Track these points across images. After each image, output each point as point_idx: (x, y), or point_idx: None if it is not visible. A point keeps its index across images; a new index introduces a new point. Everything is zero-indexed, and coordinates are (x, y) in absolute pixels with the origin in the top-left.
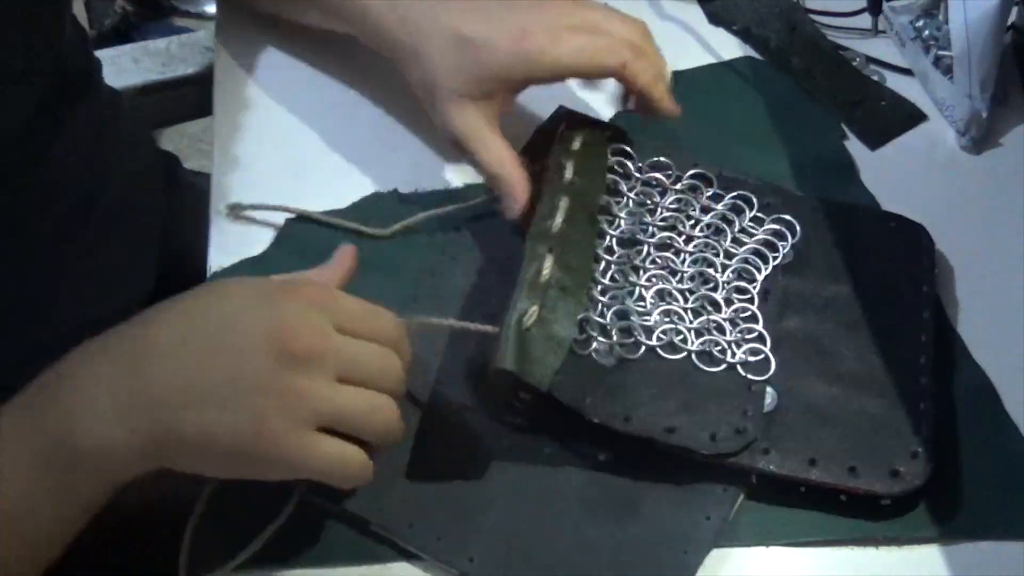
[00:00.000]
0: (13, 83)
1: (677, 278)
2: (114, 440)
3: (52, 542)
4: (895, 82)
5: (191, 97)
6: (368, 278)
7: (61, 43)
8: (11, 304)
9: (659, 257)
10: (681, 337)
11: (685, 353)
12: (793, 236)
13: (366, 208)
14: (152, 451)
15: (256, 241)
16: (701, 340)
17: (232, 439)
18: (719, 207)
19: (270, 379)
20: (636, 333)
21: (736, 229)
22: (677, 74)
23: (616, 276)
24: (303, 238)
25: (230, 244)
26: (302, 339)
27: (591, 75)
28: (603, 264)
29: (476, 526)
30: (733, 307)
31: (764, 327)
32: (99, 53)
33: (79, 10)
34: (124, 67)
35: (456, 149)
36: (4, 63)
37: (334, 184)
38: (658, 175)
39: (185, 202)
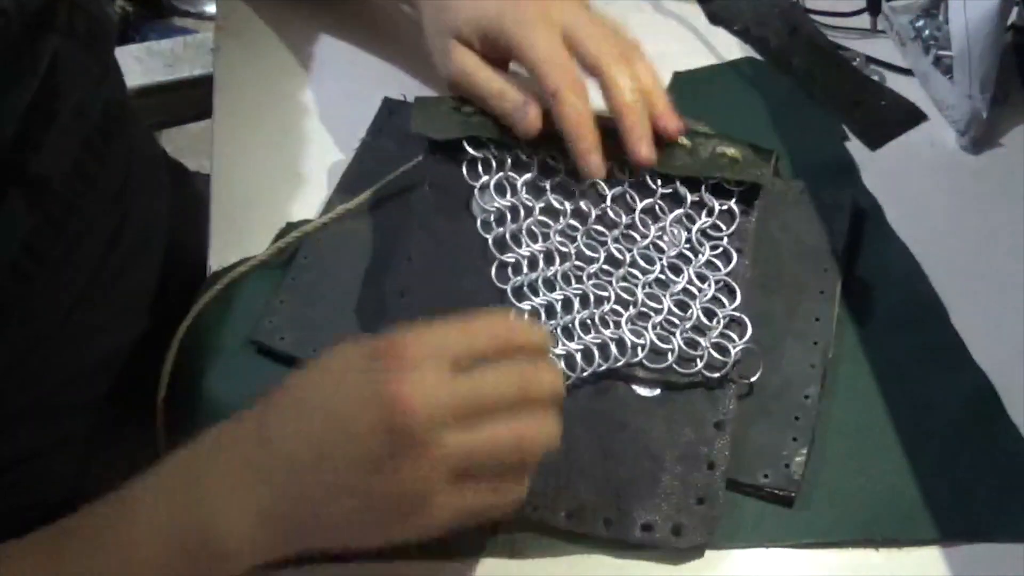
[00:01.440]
0: (73, 118)
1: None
2: (255, 547)
3: None
4: (895, 82)
5: (196, 98)
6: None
7: (109, 79)
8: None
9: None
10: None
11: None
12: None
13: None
14: (290, 551)
15: (256, 241)
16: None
17: (369, 526)
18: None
19: (390, 464)
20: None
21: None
22: (677, 74)
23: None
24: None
25: (230, 244)
26: (408, 411)
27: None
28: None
29: None
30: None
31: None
32: None
33: None
34: (128, 67)
35: (455, 85)
36: (69, 98)
37: (332, 182)
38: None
39: (187, 204)
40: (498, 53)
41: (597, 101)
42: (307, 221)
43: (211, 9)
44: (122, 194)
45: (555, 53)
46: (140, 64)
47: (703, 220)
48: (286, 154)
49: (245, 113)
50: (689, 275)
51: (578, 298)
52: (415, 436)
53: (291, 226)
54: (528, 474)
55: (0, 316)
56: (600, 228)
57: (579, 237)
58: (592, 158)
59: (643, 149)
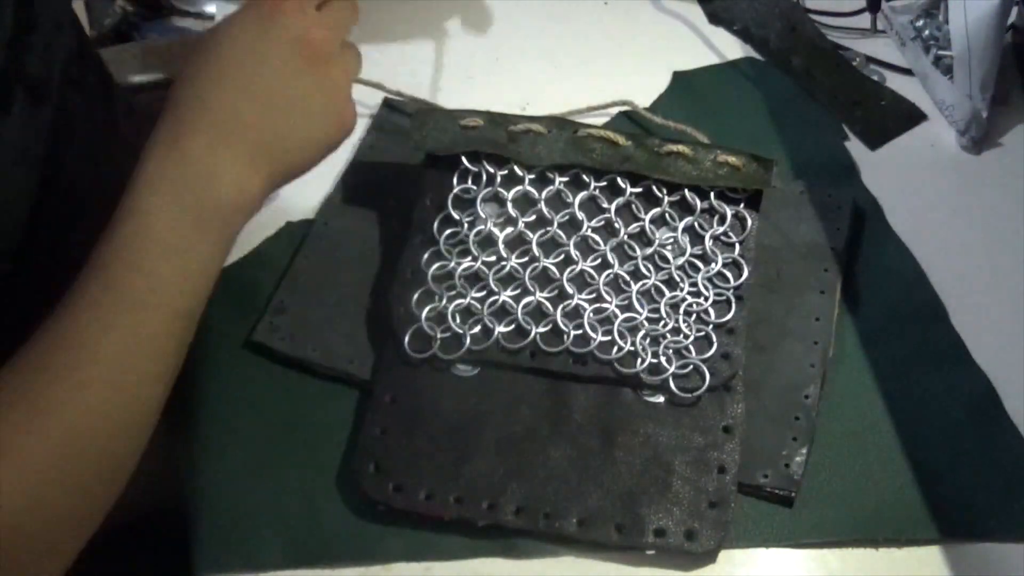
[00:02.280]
0: (54, 29)
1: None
2: (252, 190)
3: (199, 291)
4: (895, 82)
5: None
6: None
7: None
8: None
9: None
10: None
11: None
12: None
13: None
14: (270, 186)
15: (256, 241)
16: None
17: (327, 139)
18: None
19: (322, 84)
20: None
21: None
22: (677, 74)
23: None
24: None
25: None
26: (317, 40)
27: None
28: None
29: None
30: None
31: None
32: (100, 52)
33: (79, 10)
34: (123, 66)
35: None
36: (45, 10)
37: (333, 183)
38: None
39: None
40: None
41: (574, 104)
42: (308, 221)
43: (211, 9)
44: (111, 121)
45: None
46: (139, 61)
47: (715, 227)
48: None
49: None
50: (696, 284)
51: (556, 291)
52: (328, 60)
53: (291, 226)
54: None
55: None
56: (596, 237)
57: (570, 244)
58: None
59: None
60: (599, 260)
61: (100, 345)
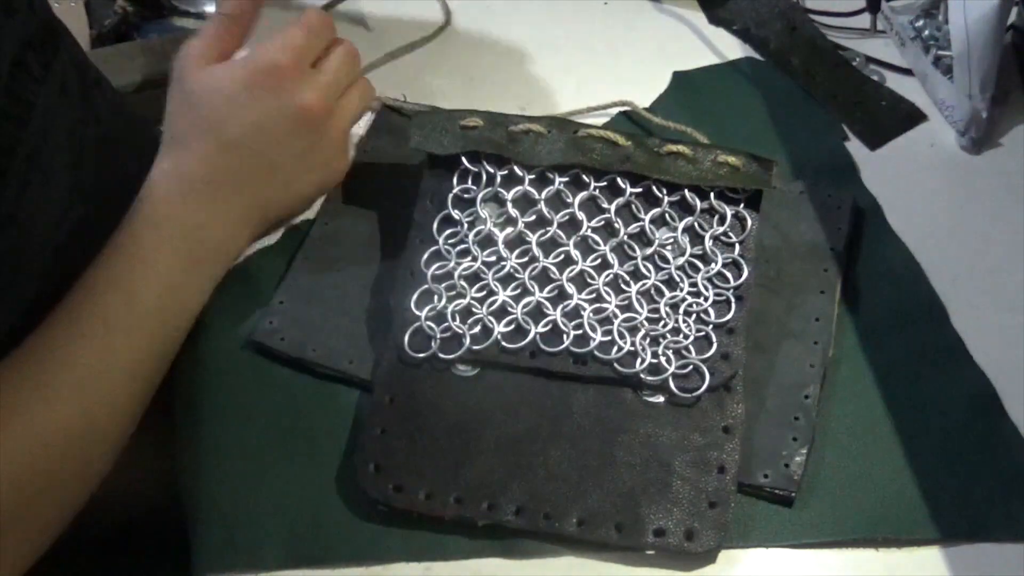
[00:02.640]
0: (3, 14)
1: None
2: (243, 235)
3: (180, 323)
4: (895, 82)
5: None
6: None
7: None
8: None
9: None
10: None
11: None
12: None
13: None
14: (258, 233)
15: (255, 241)
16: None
17: (318, 190)
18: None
19: (315, 145)
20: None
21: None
22: (677, 74)
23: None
24: (299, 238)
25: None
26: (315, 107)
27: None
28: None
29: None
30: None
31: None
32: (95, 52)
33: (79, 10)
34: (123, 65)
35: None
36: None
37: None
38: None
39: None
40: None
41: (574, 105)
42: (308, 221)
43: (211, 9)
44: (87, 107)
45: None
46: (132, 61)
47: (715, 228)
48: None
49: None
50: (696, 284)
51: (557, 291)
52: (325, 121)
53: (291, 227)
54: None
55: None
56: (596, 237)
57: (570, 244)
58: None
59: None
60: (599, 260)
61: (74, 355)
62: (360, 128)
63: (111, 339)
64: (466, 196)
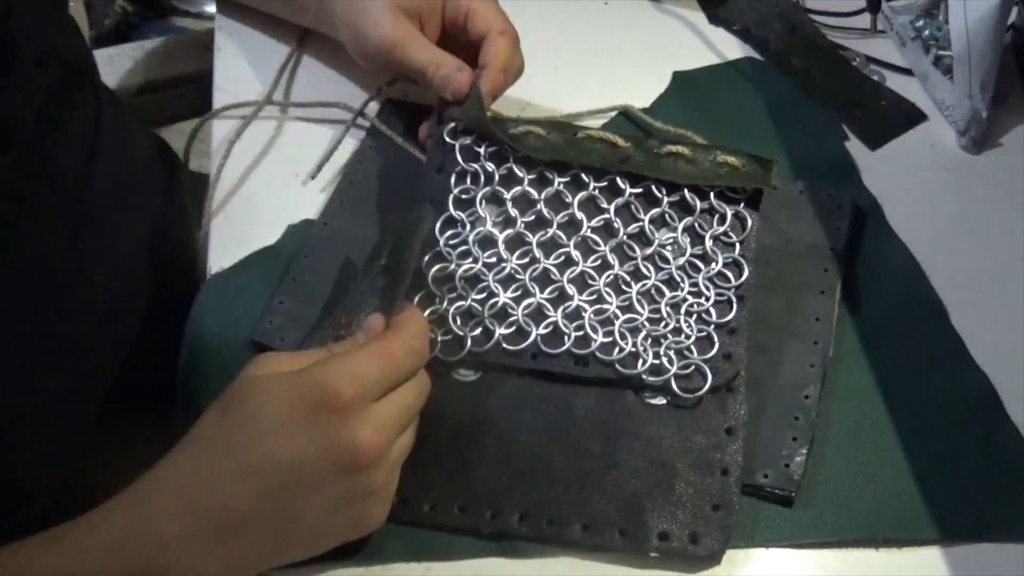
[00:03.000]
0: (35, 66)
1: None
2: None
3: None
4: (895, 82)
5: (189, 95)
6: None
7: (64, 31)
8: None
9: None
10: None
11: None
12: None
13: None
14: None
15: (256, 241)
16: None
17: (336, 542)
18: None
19: (355, 493)
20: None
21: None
22: (677, 74)
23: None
24: (299, 238)
25: (230, 244)
26: (366, 451)
27: (479, 28)
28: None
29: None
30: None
31: None
32: (98, 53)
33: (79, 10)
34: (122, 66)
35: (387, 58)
36: (27, 46)
37: (333, 184)
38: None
39: (184, 203)
40: (434, 16)
41: (574, 105)
42: (308, 221)
43: (211, 9)
44: (95, 146)
45: (494, 3)
46: (135, 62)
47: (715, 227)
48: (285, 154)
49: (244, 113)
50: (697, 284)
51: (557, 292)
52: (378, 466)
53: (291, 228)
54: None
55: None
56: (596, 237)
57: (570, 245)
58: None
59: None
60: (599, 261)
61: None
62: (360, 130)
63: None
64: (465, 197)
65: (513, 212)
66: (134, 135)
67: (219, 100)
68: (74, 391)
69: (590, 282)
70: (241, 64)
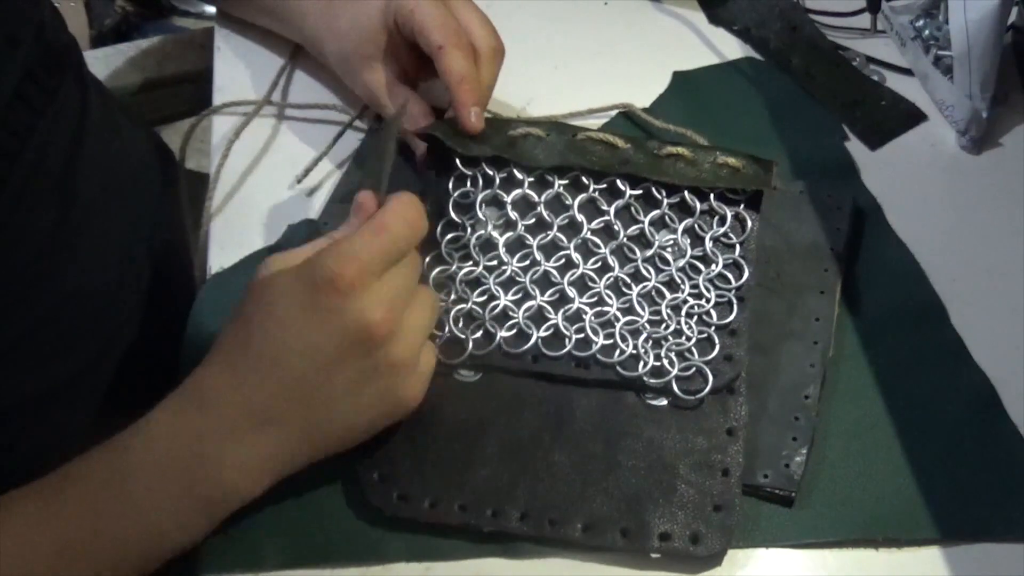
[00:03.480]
0: (6, 45)
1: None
2: (263, 482)
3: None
4: (895, 82)
5: (187, 94)
6: None
7: (42, 12)
8: None
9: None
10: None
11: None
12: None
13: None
14: (281, 476)
15: (256, 241)
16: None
17: (375, 424)
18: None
19: (376, 369)
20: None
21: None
22: (677, 74)
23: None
24: (301, 241)
25: (230, 244)
26: (376, 326)
27: (425, 45)
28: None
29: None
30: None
31: None
32: (95, 52)
33: (79, 10)
34: (120, 65)
35: (371, 103)
36: (8, 25)
37: (333, 184)
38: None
39: (181, 202)
40: (404, 39)
41: (574, 104)
42: (309, 221)
43: (211, 9)
44: (80, 133)
45: (440, 16)
46: (132, 62)
47: (715, 229)
48: (286, 154)
49: (244, 113)
50: (697, 285)
51: (558, 294)
52: (390, 339)
53: (292, 228)
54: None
55: None
56: (596, 239)
57: (570, 247)
58: (472, 111)
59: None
60: (599, 263)
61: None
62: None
63: (67, 536)
64: (464, 201)
65: (513, 215)
66: (125, 128)
67: (219, 100)
68: (70, 388)
69: (590, 284)
70: (241, 64)
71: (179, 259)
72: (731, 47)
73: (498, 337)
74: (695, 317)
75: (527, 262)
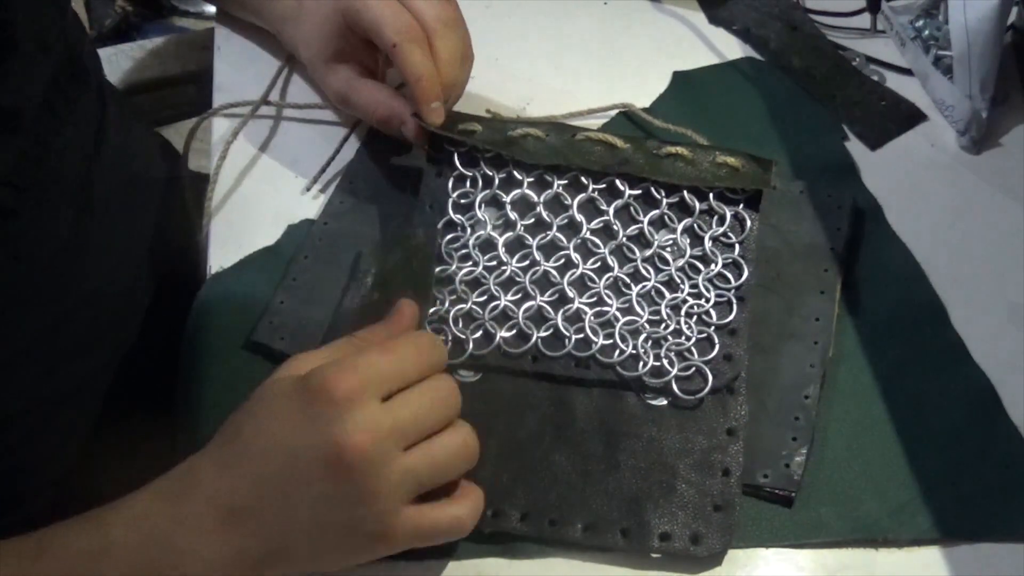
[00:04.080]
0: (38, 51)
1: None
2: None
3: None
4: (895, 82)
5: (189, 95)
6: None
7: (67, 18)
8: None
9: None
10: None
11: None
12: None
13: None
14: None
15: (256, 241)
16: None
17: (340, 554)
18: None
19: (345, 497)
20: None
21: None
22: (677, 74)
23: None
24: (299, 238)
25: (230, 244)
26: (354, 450)
27: (379, 43)
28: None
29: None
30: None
31: None
32: (98, 52)
33: (79, 11)
34: (122, 65)
35: (342, 106)
36: (28, 31)
37: (333, 184)
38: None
39: (185, 202)
40: (358, 38)
41: (574, 104)
42: (309, 221)
43: (211, 9)
44: (99, 139)
45: (390, 12)
46: (134, 62)
47: (714, 228)
48: (286, 154)
49: (244, 111)
50: (697, 285)
51: (557, 295)
52: (366, 471)
53: (291, 228)
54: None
55: None
56: (595, 239)
57: (570, 247)
58: (432, 106)
59: (431, 115)
60: (599, 263)
61: None
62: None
63: None
64: (463, 201)
65: (512, 215)
66: (138, 132)
67: (219, 100)
68: (77, 389)
69: (590, 284)
70: (241, 64)
71: (185, 260)
72: (731, 47)
73: (498, 337)
74: (695, 317)
75: (527, 262)
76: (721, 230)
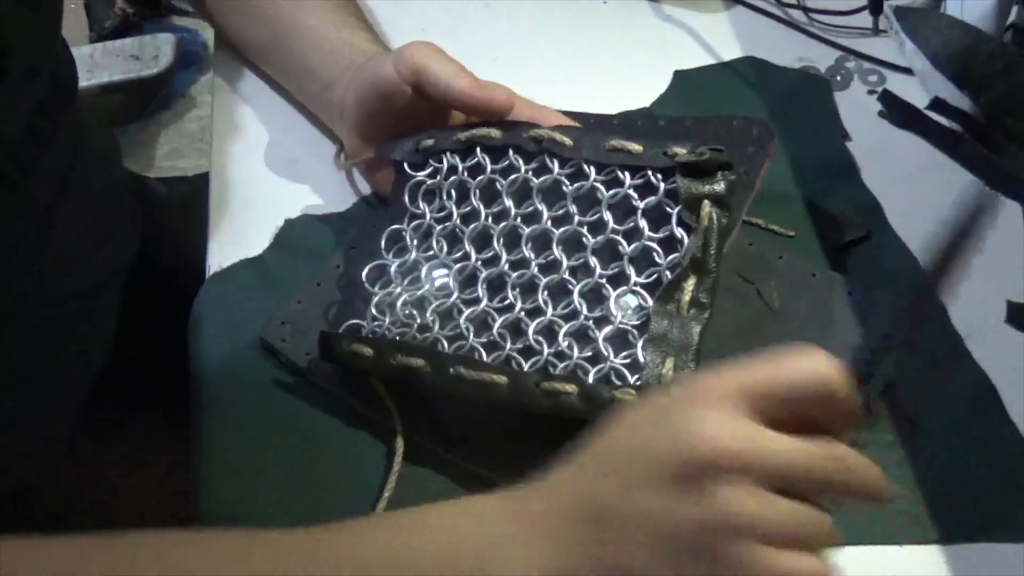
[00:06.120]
0: (24, 80)
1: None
2: None
3: None
4: (895, 82)
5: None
6: None
7: (54, 45)
8: None
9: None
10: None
11: None
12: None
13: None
14: None
15: (256, 241)
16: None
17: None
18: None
19: (687, 498)
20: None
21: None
22: (677, 74)
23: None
24: (300, 238)
25: (230, 244)
26: (712, 448)
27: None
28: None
29: None
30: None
31: None
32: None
33: (79, 11)
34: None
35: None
36: (16, 58)
37: (332, 182)
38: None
39: (186, 209)
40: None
41: (580, 104)
42: (308, 218)
43: None
44: (72, 165)
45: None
46: (99, 63)
47: (648, 199)
48: (285, 153)
49: (244, 112)
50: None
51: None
52: (715, 468)
53: (289, 223)
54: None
55: None
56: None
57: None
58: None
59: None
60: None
61: None
62: None
63: None
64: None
65: (448, 205)
66: (100, 150)
67: (219, 99)
68: (81, 392)
69: (525, 287)
70: (242, 64)
71: (189, 261)
72: (731, 47)
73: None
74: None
75: (459, 253)
76: (655, 200)
